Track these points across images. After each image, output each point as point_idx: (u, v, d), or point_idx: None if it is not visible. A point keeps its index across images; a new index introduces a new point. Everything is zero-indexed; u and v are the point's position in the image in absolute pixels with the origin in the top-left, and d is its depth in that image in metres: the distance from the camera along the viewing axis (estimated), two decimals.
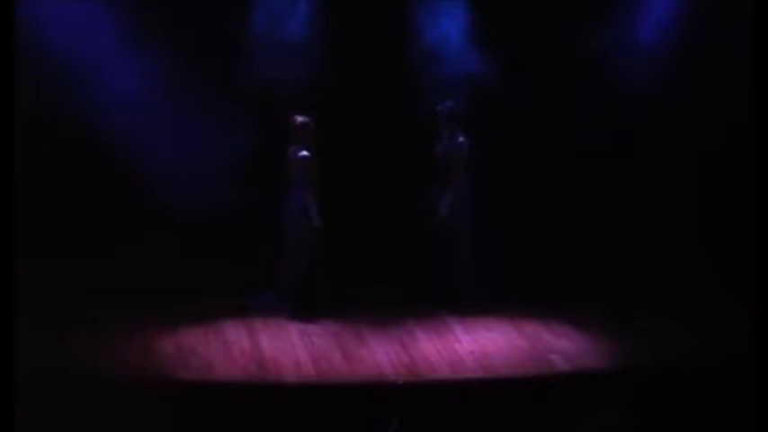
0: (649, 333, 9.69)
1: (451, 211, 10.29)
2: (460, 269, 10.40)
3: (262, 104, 10.67)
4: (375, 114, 10.96)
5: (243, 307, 10.20)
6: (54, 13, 10.09)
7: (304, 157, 10.14)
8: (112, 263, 10.33)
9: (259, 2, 10.69)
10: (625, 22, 10.94)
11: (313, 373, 8.88)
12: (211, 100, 10.54)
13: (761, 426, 7.25)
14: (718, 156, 10.79)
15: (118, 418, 8.04)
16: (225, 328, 9.82)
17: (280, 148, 10.27)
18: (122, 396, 8.26)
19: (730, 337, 9.24)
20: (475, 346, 9.48)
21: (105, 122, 10.27)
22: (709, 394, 8.53)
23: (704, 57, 10.82)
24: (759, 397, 7.32)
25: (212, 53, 10.58)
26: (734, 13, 10.39)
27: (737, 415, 8.09)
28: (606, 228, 10.93)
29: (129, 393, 8.33)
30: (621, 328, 9.81)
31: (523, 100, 10.89)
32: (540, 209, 11.05)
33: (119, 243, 10.45)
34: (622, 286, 10.50)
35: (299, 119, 10.18)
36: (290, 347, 9.41)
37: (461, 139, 10.36)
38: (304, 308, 10.12)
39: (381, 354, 9.27)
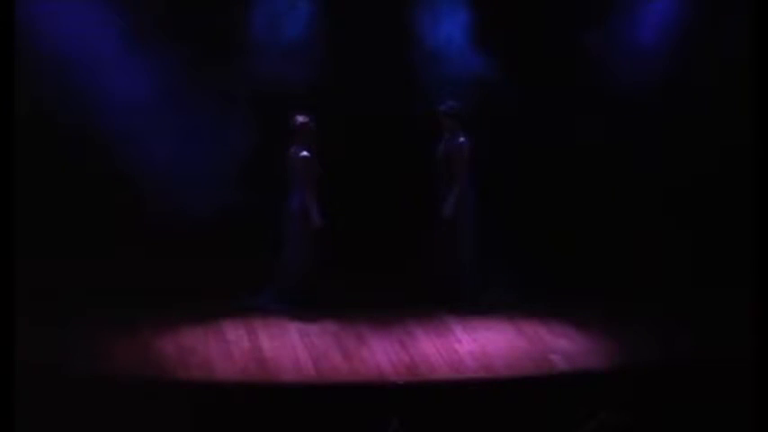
0: (649, 333, 9.70)
1: (455, 211, 10.29)
2: (461, 269, 10.40)
3: (262, 105, 10.67)
4: (375, 114, 10.96)
5: (243, 307, 10.20)
6: (54, 13, 10.09)
7: (304, 157, 10.14)
8: (112, 263, 10.34)
9: (259, 2, 10.69)
10: (625, 22, 10.94)
11: (313, 373, 8.88)
12: (211, 100, 10.55)
13: (761, 426, 7.26)
14: (718, 156, 10.79)
15: (118, 418, 8.04)
16: (225, 328, 9.82)
17: (280, 149, 10.28)
18: (122, 396, 8.26)
19: (730, 337, 9.24)
20: (475, 346, 9.48)
21: (105, 122, 10.27)
22: (709, 394, 8.53)
23: (704, 57, 10.82)
24: (759, 397, 7.33)
25: (213, 53, 10.58)
26: (734, 14, 10.39)
27: (737, 415, 8.09)
28: (606, 228, 10.93)
29: (129, 393, 8.33)
30: (621, 328, 9.81)
31: (524, 100, 10.89)
32: (540, 209, 11.06)
33: (119, 243, 10.45)
34: (622, 286, 10.50)
35: (300, 119, 10.19)
36: (290, 347, 9.41)
37: (462, 139, 10.36)
38: (304, 308, 10.12)
39: (381, 354, 9.27)
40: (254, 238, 10.55)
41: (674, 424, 8.31)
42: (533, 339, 9.68)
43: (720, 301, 10.05)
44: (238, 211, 10.57)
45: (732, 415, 8.22)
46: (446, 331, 9.85)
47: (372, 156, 11.02)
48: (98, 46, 10.27)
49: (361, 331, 9.80)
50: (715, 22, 10.77)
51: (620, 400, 7.86)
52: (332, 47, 10.79)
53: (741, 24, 9.97)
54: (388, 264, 10.86)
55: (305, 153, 10.15)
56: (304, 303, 10.14)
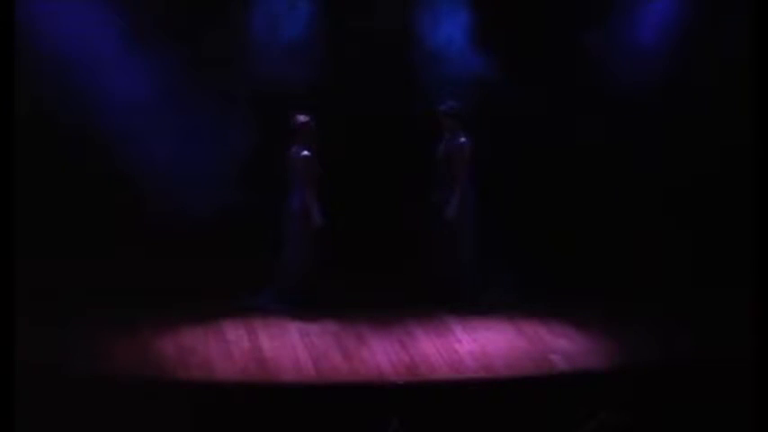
0: (649, 333, 9.70)
1: (458, 211, 10.28)
2: (461, 269, 10.40)
3: (262, 105, 10.67)
4: (375, 114, 10.96)
5: (243, 307, 10.20)
6: (54, 13, 10.09)
7: (305, 156, 10.14)
8: (112, 263, 10.34)
9: (259, 2, 10.69)
10: (625, 22, 10.94)
11: (313, 373, 8.88)
12: (211, 100, 10.55)
13: (761, 426, 7.26)
14: (718, 156, 10.79)
15: (118, 418, 8.04)
16: (225, 328, 9.82)
17: (280, 149, 10.27)
18: (122, 396, 8.26)
19: (730, 337, 9.24)
20: (475, 346, 9.48)
21: (105, 122, 10.27)
22: (709, 394, 8.53)
23: (704, 57, 10.82)
24: (759, 397, 7.32)
25: (213, 53, 10.59)
26: (734, 14, 10.39)
27: (737, 415, 8.09)
28: (606, 228, 10.93)
29: (129, 393, 8.33)
30: (621, 328, 9.81)
31: (524, 100, 10.89)
32: (540, 209, 11.05)
33: (119, 243, 10.45)
34: (622, 286, 10.50)
35: (300, 118, 10.19)
36: (290, 347, 9.40)
37: (463, 139, 10.35)
38: (304, 308, 10.12)
39: (381, 354, 9.27)
40: (254, 238, 10.55)
41: (674, 424, 8.31)
42: (533, 339, 9.68)
43: (720, 301, 10.05)
44: (238, 211, 10.57)
45: (732, 415, 8.22)
46: (446, 331, 9.85)
47: (372, 156, 11.01)
48: (98, 46, 10.27)
49: (361, 331, 9.80)
50: (715, 22, 10.77)
51: (620, 400, 7.86)
52: (332, 47, 10.79)
53: (741, 24, 9.97)
54: (388, 264, 10.86)
55: (305, 153, 10.15)
56: (304, 303, 10.15)
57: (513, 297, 10.50)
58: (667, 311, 10.15)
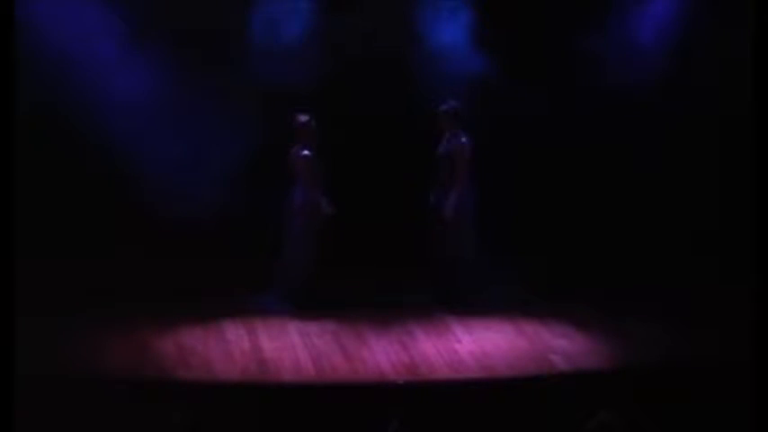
0: (649, 333, 9.70)
1: (456, 211, 10.28)
2: (461, 269, 10.39)
3: (263, 104, 10.67)
4: (375, 114, 10.96)
5: (243, 307, 10.20)
6: (54, 13, 10.09)
7: (306, 156, 10.14)
8: (112, 263, 10.34)
9: (260, 2, 10.69)
10: (625, 22, 10.94)
11: (313, 373, 8.88)
12: (212, 100, 10.55)
13: (761, 426, 7.25)
14: (718, 156, 10.79)
15: (117, 418, 8.04)
16: (225, 328, 9.82)
17: (281, 148, 10.27)
18: (122, 396, 8.25)
19: (730, 338, 9.23)
20: (475, 346, 9.48)
21: (105, 122, 10.28)
22: (708, 394, 8.53)
23: (704, 57, 10.82)
24: (759, 397, 7.32)
25: (214, 53, 10.59)
26: (734, 14, 10.39)
27: (737, 415, 8.08)
28: (606, 227, 10.93)
29: (129, 393, 8.32)
30: (621, 328, 9.80)
31: (524, 100, 10.89)
32: (540, 208, 11.06)
33: (119, 243, 10.45)
34: (622, 286, 10.50)
35: (301, 118, 10.19)
36: (290, 347, 9.40)
37: (464, 139, 10.35)
38: (304, 307, 10.12)
39: (381, 354, 9.26)
40: (254, 238, 10.55)
41: (674, 424, 8.30)
42: (533, 339, 9.67)
43: (720, 302, 10.04)
44: (238, 211, 10.57)
45: (732, 415, 8.22)
46: (446, 331, 9.84)
47: (372, 155, 11.01)
48: (98, 46, 10.27)
49: (361, 331, 9.80)
50: (715, 22, 10.76)
51: (620, 400, 7.86)
52: (332, 47, 10.79)
53: (741, 24, 9.96)
54: (388, 263, 10.85)
55: (306, 152, 10.15)
56: (304, 303, 10.14)
57: (513, 297, 10.50)
58: (667, 311, 10.15)
